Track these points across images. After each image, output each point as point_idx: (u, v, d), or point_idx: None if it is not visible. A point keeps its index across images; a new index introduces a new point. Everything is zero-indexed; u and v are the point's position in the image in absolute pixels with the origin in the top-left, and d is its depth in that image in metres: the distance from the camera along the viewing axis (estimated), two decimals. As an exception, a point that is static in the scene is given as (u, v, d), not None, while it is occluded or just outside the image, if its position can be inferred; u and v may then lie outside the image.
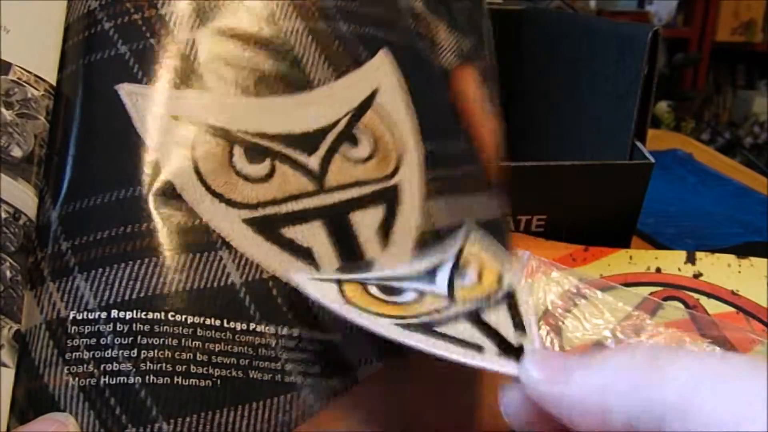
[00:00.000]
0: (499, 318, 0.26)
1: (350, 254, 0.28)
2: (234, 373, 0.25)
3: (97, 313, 0.24)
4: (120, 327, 0.24)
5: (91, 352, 0.24)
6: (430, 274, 0.28)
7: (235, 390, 0.25)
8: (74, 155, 0.26)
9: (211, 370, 0.24)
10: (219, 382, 0.24)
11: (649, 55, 0.51)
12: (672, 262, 0.47)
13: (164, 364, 0.24)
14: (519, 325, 0.26)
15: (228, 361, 0.25)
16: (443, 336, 0.24)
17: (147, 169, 0.26)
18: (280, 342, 0.26)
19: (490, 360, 0.23)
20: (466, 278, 0.28)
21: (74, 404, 0.24)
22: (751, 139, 2.35)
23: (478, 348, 0.24)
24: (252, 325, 0.25)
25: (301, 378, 0.26)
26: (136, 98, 0.27)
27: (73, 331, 0.24)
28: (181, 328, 0.25)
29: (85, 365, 0.24)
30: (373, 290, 0.27)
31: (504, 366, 0.23)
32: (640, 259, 0.48)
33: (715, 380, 0.18)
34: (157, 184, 0.26)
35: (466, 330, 0.25)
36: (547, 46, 0.67)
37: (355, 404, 0.26)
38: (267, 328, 0.26)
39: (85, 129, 0.26)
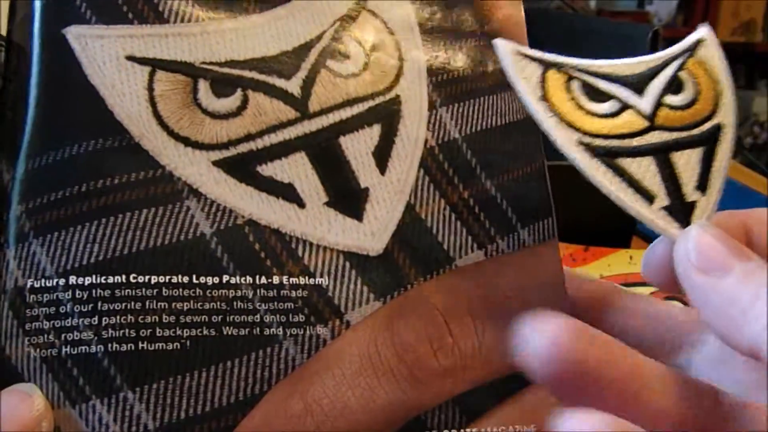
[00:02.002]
0: (689, 162, 0.23)
1: (340, 185, 0.25)
2: (205, 332, 0.23)
3: (55, 280, 0.23)
4: (79, 294, 0.23)
5: (51, 322, 0.23)
6: (643, 80, 0.25)
7: (207, 350, 0.23)
8: (30, 112, 0.24)
9: (179, 332, 0.23)
10: (188, 343, 0.23)
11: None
12: (672, 262, 0.47)
13: (127, 330, 0.23)
14: (704, 182, 0.23)
15: (198, 320, 0.23)
16: (621, 173, 0.23)
17: (101, 121, 0.24)
18: (258, 292, 0.24)
19: (654, 216, 0.22)
20: (679, 96, 0.25)
21: (37, 376, 0.23)
22: (751, 139, 2.35)
23: (650, 198, 0.23)
24: (225, 278, 0.24)
25: (282, 329, 0.24)
26: (86, 41, 0.24)
27: (31, 300, 0.23)
28: (144, 290, 0.23)
29: (45, 335, 0.23)
30: (576, 88, 0.25)
31: (666, 226, 0.22)
32: (640, 259, 0.48)
33: None
34: (112, 136, 0.24)
35: (647, 169, 0.23)
36: (547, 46, 0.67)
37: (342, 354, 0.24)
38: (242, 278, 0.24)
39: (38, 82, 0.24)
